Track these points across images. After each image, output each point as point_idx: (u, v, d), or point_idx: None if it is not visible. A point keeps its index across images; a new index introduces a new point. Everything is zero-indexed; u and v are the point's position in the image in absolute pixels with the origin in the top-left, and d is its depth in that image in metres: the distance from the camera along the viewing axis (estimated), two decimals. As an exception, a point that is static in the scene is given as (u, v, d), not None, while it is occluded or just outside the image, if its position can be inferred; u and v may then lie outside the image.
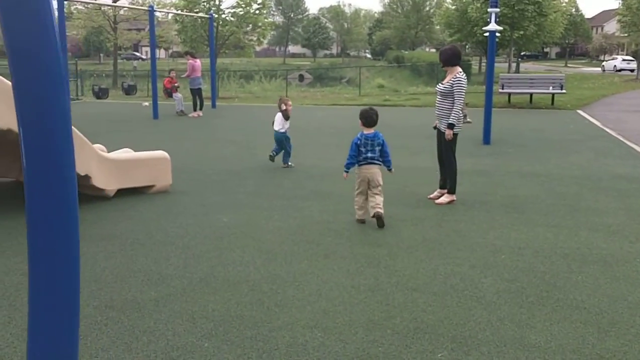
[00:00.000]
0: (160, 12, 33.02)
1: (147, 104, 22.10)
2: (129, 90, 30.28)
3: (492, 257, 5.87)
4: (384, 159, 7.31)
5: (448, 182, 8.17)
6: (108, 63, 63.00)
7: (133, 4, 43.69)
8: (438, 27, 79.67)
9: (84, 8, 48.63)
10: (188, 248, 6.17)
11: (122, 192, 8.32)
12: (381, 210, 6.86)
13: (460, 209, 7.74)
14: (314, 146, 13.00)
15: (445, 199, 8.07)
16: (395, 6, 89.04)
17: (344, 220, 7.18)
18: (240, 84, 38.41)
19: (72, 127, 7.27)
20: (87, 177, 7.74)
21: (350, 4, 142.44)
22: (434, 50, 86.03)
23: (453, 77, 7.87)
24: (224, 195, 8.58)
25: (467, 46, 51.21)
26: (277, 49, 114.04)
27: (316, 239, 6.46)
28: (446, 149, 8.12)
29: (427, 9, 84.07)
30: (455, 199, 8.08)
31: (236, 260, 5.79)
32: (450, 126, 7.90)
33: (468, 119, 12.06)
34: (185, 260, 5.78)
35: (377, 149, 7.21)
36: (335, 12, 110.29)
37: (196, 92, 19.87)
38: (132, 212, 7.61)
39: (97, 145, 9.39)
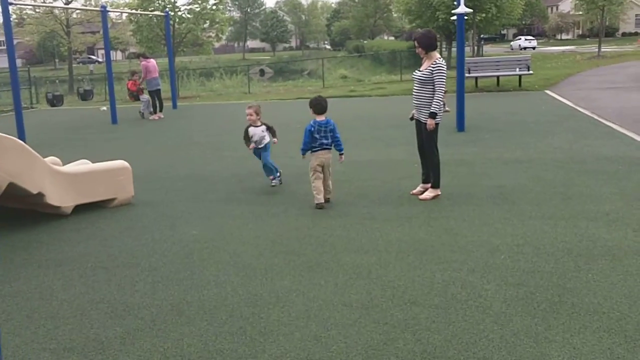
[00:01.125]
0: (113, 12, 32.04)
1: (105, 108, 21.28)
2: (86, 96, 29.23)
3: (490, 257, 5.37)
4: (336, 145, 7.68)
5: (431, 175, 7.66)
6: (64, 68, 61.46)
7: (85, 6, 42.52)
8: (396, 14, 79.66)
9: (34, 13, 47.32)
10: (155, 269, 5.56)
11: (80, 208, 7.65)
12: (329, 196, 7.62)
13: (447, 204, 7.24)
14: (281, 144, 12.39)
15: (429, 194, 7.56)
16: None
17: (325, 225, 6.63)
18: (200, 82, 37.59)
19: (21, 142, 6.62)
20: (40, 195, 7.08)
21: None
22: (392, 38, 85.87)
23: (432, 63, 7.36)
24: (192, 203, 7.97)
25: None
26: (235, 44, 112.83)
27: (297, 248, 5.90)
28: (428, 141, 7.60)
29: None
30: (440, 193, 7.59)
31: (210, 280, 5.20)
32: (432, 115, 7.37)
33: (447, 108, 11.59)
34: (153, 285, 5.17)
35: (330, 135, 7.56)
36: (292, 5, 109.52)
37: (154, 94, 19.09)
38: (92, 230, 6.97)
39: (50, 158, 8.72)
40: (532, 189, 7.70)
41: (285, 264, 5.49)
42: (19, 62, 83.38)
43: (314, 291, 4.82)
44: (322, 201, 7.36)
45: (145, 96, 19.51)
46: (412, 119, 7.84)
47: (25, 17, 49.25)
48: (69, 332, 4.35)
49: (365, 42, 70.64)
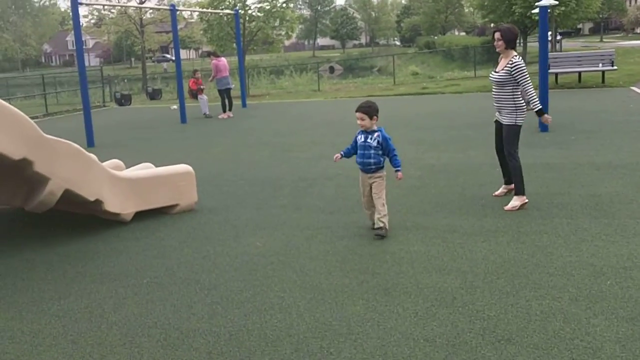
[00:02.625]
0: (182, 10, 32.09)
1: (175, 107, 21.14)
2: (154, 95, 29.40)
3: (594, 284, 4.65)
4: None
5: (514, 182, 6.97)
6: (138, 67, 62.49)
7: (157, 6, 42.96)
8: (468, 9, 77.77)
9: (109, 13, 48.23)
10: (215, 288, 5.06)
11: (141, 215, 7.26)
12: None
13: (536, 215, 6.50)
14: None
15: (515, 202, 6.85)
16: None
17: (401, 238, 6.01)
18: (270, 80, 37.43)
19: (78, 146, 6.25)
20: (98, 202, 6.71)
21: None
22: (464, 33, 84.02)
23: (509, 63, 6.81)
24: (257, 210, 7.47)
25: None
26: (305, 42, 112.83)
27: (370, 266, 5.30)
28: (508, 143, 6.97)
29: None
30: (526, 200, 6.87)
31: (274, 303, 4.67)
32: (540, 112, 6.96)
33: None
34: (211, 307, 4.67)
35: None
36: (362, 2, 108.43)
37: (224, 93, 18.82)
38: (151, 240, 6.54)
39: (112, 161, 8.41)
40: (632, 199, 6.87)
41: (357, 285, 4.90)
42: (96, 61, 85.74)
43: (391, 321, 4.21)
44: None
45: (204, 96, 19.27)
46: (496, 121, 7.23)
47: (102, 17, 50.31)
48: (116, 364, 3.89)
49: (436, 38, 69.14)
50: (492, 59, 39.44)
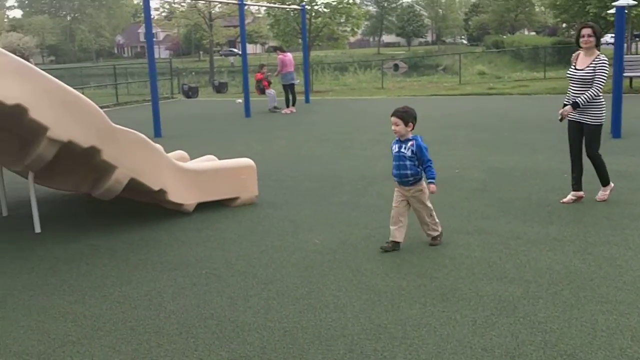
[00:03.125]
0: (250, 5, 32.37)
1: (240, 101, 21.34)
2: (220, 88, 29.80)
3: (664, 299, 4.46)
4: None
5: (599, 176, 7.16)
6: (206, 60, 63.42)
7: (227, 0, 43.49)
8: (539, 8, 76.03)
9: (180, 7, 49.09)
10: (272, 282, 5.07)
11: (202, 207, 7.35)
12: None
13: (605, 225, 6.28)
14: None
15: (605, 192, 7.17)
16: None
17: (462, 242, 5.90)
18: (335, 76, 37.44)
19: (144, 136, 6.37)
20: (162, 192, 6.82)
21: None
22: (534, 33, 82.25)
23: (595, 60, 6.72)
24: (316, 206, 7.47)
25: (573, 27, 48.18)
26: (370, 39, 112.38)
27: (429, 270, 5.22)
28: (594, 143, 7.03)
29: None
30: (612, 185, 7.20)
31: (329, 302, 4.64)
32: (575, 105, 6.80)
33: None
34: (267, 302, 4.68)
35: None
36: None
37: (288, 88, 18.94)
38: (212, 231, 6.61)
39: (177, 152, 8.55)
40: None
41: (414, 288, 4.83)
42: (166, 53, 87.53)
43: (448, 328, 4.13)
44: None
45: (271, 90, 19.39)
46: (561, 119, 7.09)
47: (173, 11, 51.27)
48: (171, 353, 3.92)
49: (504, 37, 67.84)
50: (563, 60, 38.53)
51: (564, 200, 7.21)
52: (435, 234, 5.84)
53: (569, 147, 7.29)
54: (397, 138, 5.82)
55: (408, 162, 5.68)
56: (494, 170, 9.07)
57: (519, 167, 9.20)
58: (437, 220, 5.87)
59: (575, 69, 6.90)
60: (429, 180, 5.66)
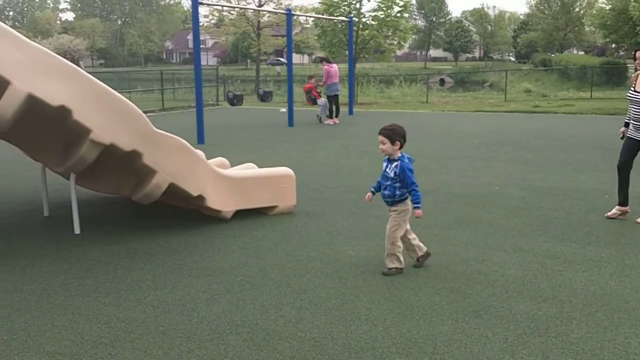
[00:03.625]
0: (298, 15, 32.62)
1: (284, 110, 21.50)
2: (264, 97, 30.06)
3: (703, 326, 4.36)
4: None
5: None
6: (253, 68, 64.03)
7: (275, 10, 43.85)
8: (589, 28, 74.94)
9: (229, 15, 49.67)
10: (305, 292, 5.10)
11: (240, 214, 7.42)
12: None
13: (645, 248, 6.18)
14: (457, 160, 11.65)
15: None
16: (542, 7, 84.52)
17: (497, 260, 5.85)
18: (380, 89, 37.42)
19: (185, 142, 6.47)
20: (201, 198, 6.91)
21: (494, 6, 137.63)
22: (582, 52, 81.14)
23: None
24: (354, 219, 7.47)
25: (623, 48, 47.45)
26: (418, 53, 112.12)
27: (463, 286, 5.19)
28: None
29: (577, 9, 79.11)
30: None
31: (361, 314, 4.65)
32: None
33: None
34: (299, 311, 4.70)
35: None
36: (479, 15, 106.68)
37: (332, 99, 19.01)
38: (248, 239, 6.67)
39: (218, 159, 8.65)
40: None
41: (447, 304, 4.81)
42: (214, 60, 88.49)
43: (479, 345, 4.10)
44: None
45: (323, 99, 19.48)
46: (622, 137, 7.34)
47: (222, 18, 51.95)
48: (202, 359, 3.97)
49: (552, 55, 67.02)
50: (610, 80, 37.94)
51: (609, 214, 7.27)
52: (390, 265, 5.52)
53: (619, 162, 7.34)
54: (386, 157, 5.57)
55: (389, 183, 5.49)
56: (535, 188, 8.97)
57: (560, 187, 9.08)
58: (394, 252, 5.51)
59: (635, 90, 7.01)
60: (415, 206, 5.40)
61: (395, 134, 5.42)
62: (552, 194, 8.64)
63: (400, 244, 5.53)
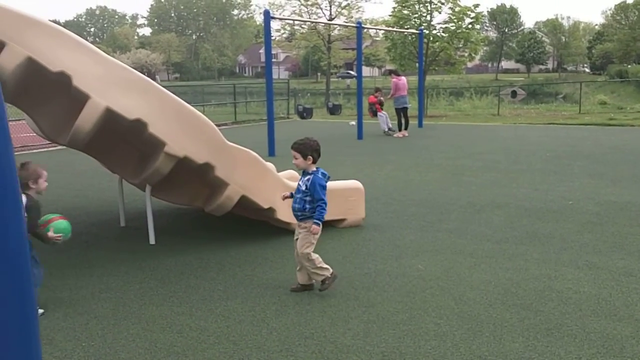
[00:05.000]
0: (368, 28, 32.71)
1: (353, 123, 21.56)
2: (334, 110, 30.22)
3: None
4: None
5: None
6: (323, 82, 64.55)
7: (345, 23, 44.11)
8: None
9: (301, 28, 50.23)
10: (373, 306, 5.11)
11: (309, 226, 7.48)
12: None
13: None
14: (528, 173, 11.44)
15: None
16: (618, 17, 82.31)
17: (570, 277, 5.73)
18: (450, 101, 37.11)
19: (255, 154, 6.59)
20: (271, 210, 7.02)
21: (569, 17, 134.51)
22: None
23: None
24: (422, 232, 7.44)
25: None
26: (489, 64, 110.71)
27: (534, 303, 5.11)
28: None
29: (656, 19, 76.75)
30: None
31: (430, 329, 4.63)
32: None
33: None
34: (367, 325, 4.72)
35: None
36: (553, 26, 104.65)
37: (401, 111, 18.97)
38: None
39: (288, 172, 8.76)
40: None
41: (518, 321, 4.74)
42: (285, 74, 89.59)
43: (550, 363, 4.04)
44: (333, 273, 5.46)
45: (383, 113, 19.46)
46: None
47: (294, 32, 52.59)
48: (271, 369, 4.04)
49: (629, 66, 65.07)
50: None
51: None
52: (320, 278, 5.38)
53: None
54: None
55: (299, 196, 5.39)
56: (609, 203, 8.73)
57: (636, 202, 8.80)
58: (316, 266, 5.37)
59: None
60: (314, 220, 5.28)
61: (306, 148, 5.38)
62: (628, 209, 8.39)
63: (314, 256, 5.38)
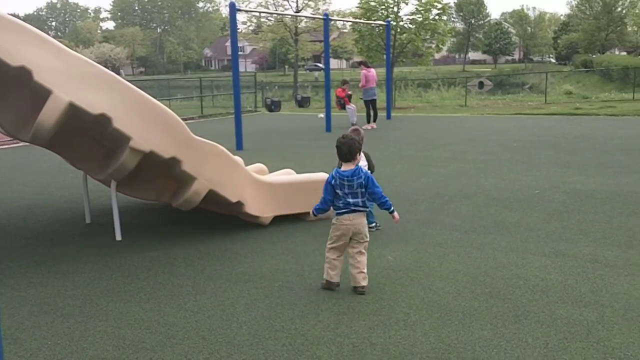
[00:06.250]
0: (336, 20, 32.70)
1: (322, 115, 21.56)
2: (302, 103, 30.18)
3: None
4: (378, 203, 5.37)
5: None
6: (291, 74, 64.42)
7: (312, 15, 44.03)
8: (631, 28, 73.60)
9: (267, 21, 50.05)
10: (343, 298, 5.11)
11: (278, 219, 7.47)
12: (364, 282, 5.20)
13: (691, 252, 6.05)
14: (496, 164, 11.55)
15: None
16: (583, 8, 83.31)
17: (537, 264, 5.79)
18: (418, 92, 37.29)
19: (223, 148, 6.54)
20: (239, 204, 6.98)
21: (534, 8, 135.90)
22: (625, 53, 79.72)
23: None
24: (392, 224, 7.42)
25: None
26: (456, 56, 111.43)
27: (502, 291, 5.15)
28: None
29: (619, 9, 77.73)
30: None
31: (400, 319, 4.64)
32: None
33: None
34: (337, 317, 4.72)
35: (360, 191, 5.22)
36: (519, 17, 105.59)
37: (370, 103, 19.00)
38: (287, 244, 6.71)
39: (256, 165, 8.72)
40: None
41: (486, 309, 4.78)
42: (252, 67, 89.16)
43: (519, 350, 4.07)
44: (333, 280, 5.28)
45: (352, 106, 19.46)
46: None
47: (260, 25, 52.38)
48: (241, 363, 4.02)
49: (594, 56, 65.96)
50: (655, 81, 37.18)
51: None
52: (324, 275, 5.41)
53: None
54: None
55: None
56: (576, 192, 8.85)
57: (601, 190, 8.94)
58: (326, 262, 5.37)
59: None
60: None
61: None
62: (593, 197, 8.51)
63: (328, 253, 5.36)
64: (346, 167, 5.24)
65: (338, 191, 5.23)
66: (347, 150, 5.21)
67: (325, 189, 5.34)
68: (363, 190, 5.22)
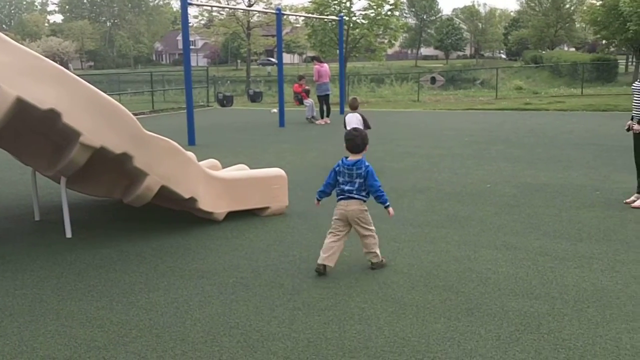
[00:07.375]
0: (288, 15, 32.62)
1: (275, 110, 21.49)
2: (255, 97, 30.04)
3: (694, 321, 4.39)
4: (374, 196, 5.70)
5: None
6: (243, 69, 64.05)
7: (265, 9, 43.85)
8: (580, 25, 75.13)
9: (219, 15, 49.65)
10: (298, 293, 5.11)
11: (232, 215, 7.42)
12: (375, 260, 5.67)
13: (636, 243, 6.21)
14: (448, 158, 11.68)
15: None
16: (532, 4, 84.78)
17: (489, 258, 5.88)
18: (371, 88, 37.45)
19: (176, 144, 6.46)
20: (192, 200, 6.91)
21: (485, 4, 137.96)
22: (573, 49, 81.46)
23: None
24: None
25: (613, 44, 47.79)
26: (409, 51, 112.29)
27: (455, 284, 5.21)
28: None
29: (568, 6, 79.35)
30: None
31: (354, 313, 4.66)
32: None
33: None
34: (292, 312, 4.71)
35: (358, 181, 5.59)
36: (470, 12, 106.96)
37: (323, 99, 19.01)
38: (241, 240, 6.67)
39: (209, 161, 8.65)
40: None
41: (440, 302, 4.83)
42: (204, 61, 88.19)
43: (472, 342, 4.12)
44: (323, 262, 5.49)
45: (309, 100, 19.48)
46: (628, 130, 7.69)
47: (212, 19, 51.92)
48: (196, 361, 3.98)
49: (543, 52, 67.21)
50: (601, 76, 38.17)
51: (627, 200, 7.73)
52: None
53: (634, 155, 7.74)
54: None
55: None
56: (526, 185, 9.01)
57: (551, 183, 9.12)
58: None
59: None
60: None
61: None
62: (543, 191, 8.68)
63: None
64: (352, 158, 5.67)
65: (339, 178, 5.69)
66: (361, 141, 5.68)
67: (329, 175, 5.84)
68: (362, 180, 5.60)
